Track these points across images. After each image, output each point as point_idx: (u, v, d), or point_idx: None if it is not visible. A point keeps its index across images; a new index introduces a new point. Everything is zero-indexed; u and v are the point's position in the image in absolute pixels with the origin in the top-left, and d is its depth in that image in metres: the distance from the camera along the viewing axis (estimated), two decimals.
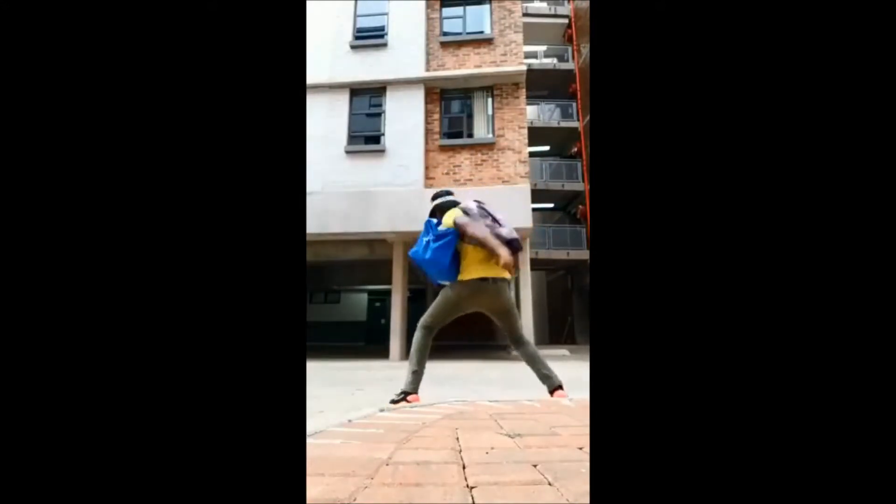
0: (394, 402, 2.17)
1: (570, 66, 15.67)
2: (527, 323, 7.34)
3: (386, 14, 8.68)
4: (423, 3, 8.58)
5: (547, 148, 16.34)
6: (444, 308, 2.36)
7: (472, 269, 2.32)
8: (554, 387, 2.26)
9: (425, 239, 2.37)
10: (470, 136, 8.09)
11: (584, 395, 2.26)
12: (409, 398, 2.20)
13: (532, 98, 13.89)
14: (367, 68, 8.31)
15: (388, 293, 10.44)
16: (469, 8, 8.69)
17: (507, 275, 2.36)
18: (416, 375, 2.28)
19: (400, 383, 2.33)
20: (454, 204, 2.49)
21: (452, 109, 8.36)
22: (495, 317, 2.42)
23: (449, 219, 2.34)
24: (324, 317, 15.29)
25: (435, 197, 2.58)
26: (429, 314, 2.39)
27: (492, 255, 2.22)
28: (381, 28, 8.65)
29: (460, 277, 2.34)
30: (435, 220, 2.43)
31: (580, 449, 1.11)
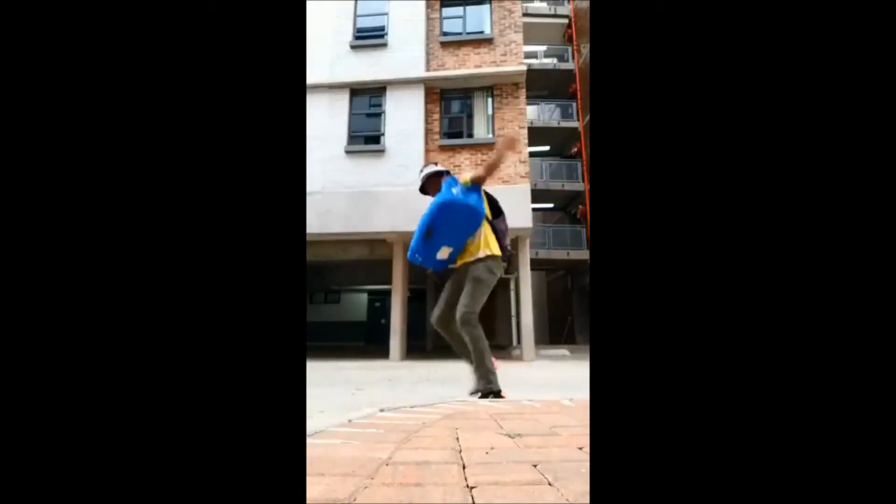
0: (484, 394, 2.19)
1: (570, 66, 15.67)
2: (526, 322, 7.35)
3: (386, 14, 8.68)
4: (423, 3, 8.58)
5: (547, 148, 16.34)
6: (486, 290, 2.28)
7: (493, 243, 2.32)
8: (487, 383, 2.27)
9: (454, 189, 2.28)
10: (470, 136, 8.09)
11: (584, 395, 2.26)
12: (503, 393, 2.20)
13: (532, 98, 13.90)
14: (367, 68, 8.31)
15: (388, 293, 10.44)
16: (469, 8, 8.69)
17: None
18: (494, 374, 2.22)
19: (402, 383, 2.33)
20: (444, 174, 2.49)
21: (452, 109, 8.36)
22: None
23: (466, 177, 2.31)
24: (324, 317, 15.29)
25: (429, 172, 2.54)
26: (471, 303, 2.25)
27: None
28: (381, 28, 8.65)
29: (490, 252, 2.30)
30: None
31: (580, 449, 1.11)
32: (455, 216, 2.25)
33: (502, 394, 2.23)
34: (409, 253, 2.43)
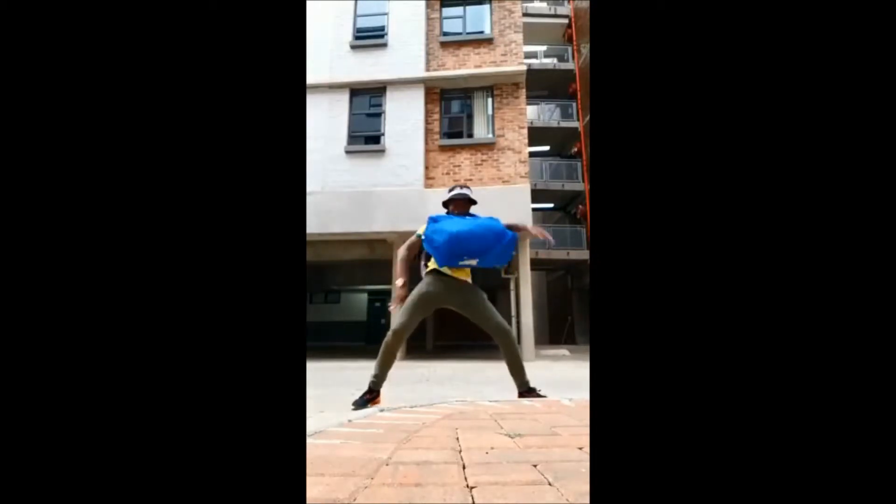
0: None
1: (570, 66, 15.66)
2: (527, 322, 7.35)
3: (386, 14, 8.68)
4: (423, 3, 8.58)
5: (547, 148, 16.34)
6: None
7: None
8: (369, 393, 2.38)
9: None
10: (470, 136, 8.09)
11: (584, 395, 2.26)
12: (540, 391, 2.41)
13: (532, 98, 13.90)
14: (367, 68, 8.32)
15: (388, 293, 10.45)
16: (469, 8, 8.69)
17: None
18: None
19: (402, 383, 2.34)
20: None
21: (452, 109, 8.37)
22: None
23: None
24: (324, 317, 15.29)
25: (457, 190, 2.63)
26: (495, 312, 2.50)
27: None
28: (381, 28, 8.65)
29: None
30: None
31: (580, 449, 1.11)
32: (508, 251, 2.44)
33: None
34: (456, 248, 2.33)
